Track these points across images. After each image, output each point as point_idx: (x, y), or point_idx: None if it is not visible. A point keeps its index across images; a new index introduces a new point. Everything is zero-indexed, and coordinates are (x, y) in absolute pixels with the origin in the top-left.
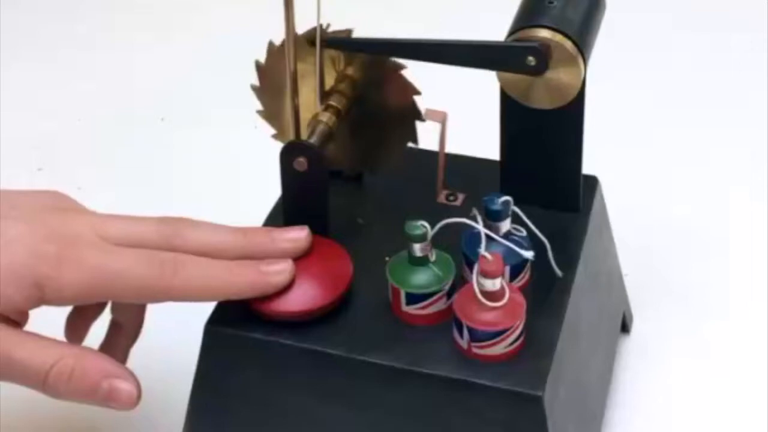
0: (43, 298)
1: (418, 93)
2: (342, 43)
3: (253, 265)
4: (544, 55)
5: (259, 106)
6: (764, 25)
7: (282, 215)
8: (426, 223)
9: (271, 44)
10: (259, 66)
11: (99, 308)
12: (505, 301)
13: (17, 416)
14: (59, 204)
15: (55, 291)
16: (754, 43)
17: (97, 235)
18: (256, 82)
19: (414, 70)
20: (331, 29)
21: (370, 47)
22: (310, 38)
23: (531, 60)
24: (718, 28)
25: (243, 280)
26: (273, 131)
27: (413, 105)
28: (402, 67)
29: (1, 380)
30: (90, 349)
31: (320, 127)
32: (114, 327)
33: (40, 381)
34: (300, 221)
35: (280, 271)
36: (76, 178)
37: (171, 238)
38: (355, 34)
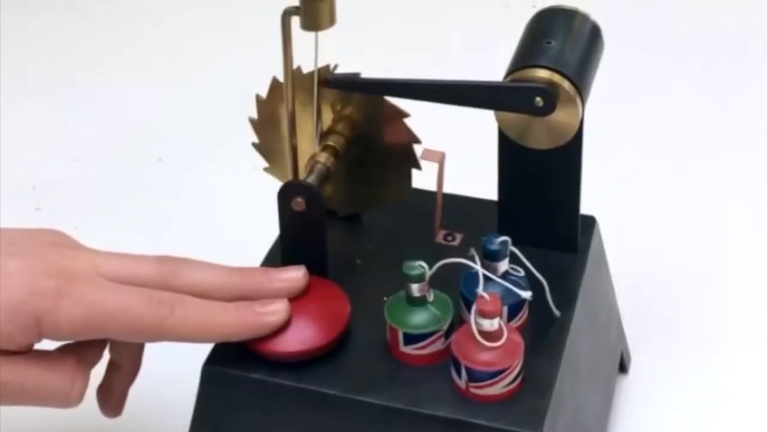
0: (41, 332)
1: (417, 141)
2: (342, 82)
3: (248, 306)
4: (551, 95)
5: (262, 161)
6: (762, 59)
7: (280, 255)
8: (424, 264)
9: (258, 98)
10: (253, 122)
11: (99, 351)
12: (503, 341)
13: (17, 420)
14: (58, 241)
15: (53, 325)
16: (751, 78)
17: (95, 272)
18: (254, 130)
19: (411, 110)
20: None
21: (371, 88)
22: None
23: (539, 101)
24: (715, 64)
25: (239, 321)
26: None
27: (411, 151)
28: (405, 114)
29: (22, 406)
30: (91, 360)
31: (318, 167)
32: (112, 367)
33: (60, 404)
34: (298, 261)
35: (275, 311)
36: (74, 218)
37: (169, 277)
38: (360, 73)
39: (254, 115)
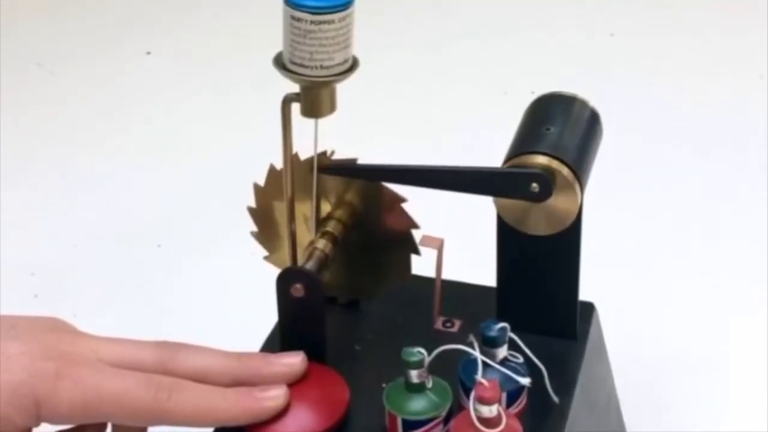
0: (40, 415)
1: (416, 227)
2: (338, 169)
3: (247, 392)
4: (548, 181)
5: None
6: (762, 144)
7: (279, 341)
8: (423, 350)
9: (256, 186)
10: (252, 210)
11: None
12: (501, 427)
13: None
14: (58, 327)
15: (52, 408)
16: (749, 164)
17: (95, 357)
18: (252, 219)
19: (410, 196)
20: (335, 156)
21: (369, 174)
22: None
23: (535, 187)
24: (714, 150)
25: (237, 406)
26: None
27: (409, 237)
28: (402, 200)
29: None
30: None
31: (317, 254)
32: None
33: None
34: (297, 347)
35: (273, 396)
36: (71, 305)
37: (167, 362)
38: (357, 159)
39: (252, 202)
